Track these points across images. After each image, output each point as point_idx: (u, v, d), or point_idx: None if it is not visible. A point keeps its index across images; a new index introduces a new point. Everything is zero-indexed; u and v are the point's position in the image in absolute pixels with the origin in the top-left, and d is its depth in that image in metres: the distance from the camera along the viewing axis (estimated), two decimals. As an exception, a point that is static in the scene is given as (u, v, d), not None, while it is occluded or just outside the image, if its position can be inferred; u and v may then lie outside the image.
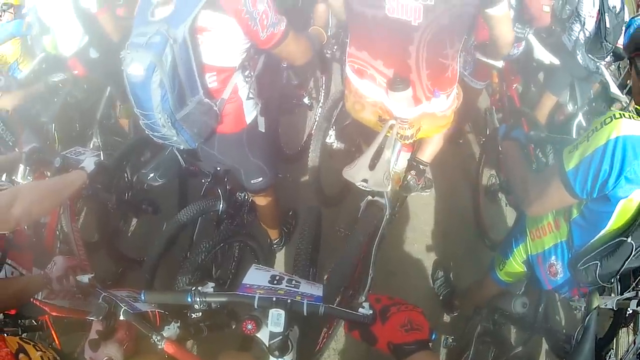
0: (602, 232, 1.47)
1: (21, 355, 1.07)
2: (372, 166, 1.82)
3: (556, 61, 3.03)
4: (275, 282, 1.27)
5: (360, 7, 1.71)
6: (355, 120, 2.16)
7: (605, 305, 1.83)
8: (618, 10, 2.96)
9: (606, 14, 2.93)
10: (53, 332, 1.77)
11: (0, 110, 2.92)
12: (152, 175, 2.03)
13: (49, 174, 2.12)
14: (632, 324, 2.20)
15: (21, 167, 2.03)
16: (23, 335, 1.61)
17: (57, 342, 1.77)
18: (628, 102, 1.30)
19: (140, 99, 1.67)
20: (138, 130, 3.46)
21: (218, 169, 2.34)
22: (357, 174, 1.82)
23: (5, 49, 3.20)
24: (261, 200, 2.45)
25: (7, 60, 3.19)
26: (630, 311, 1.90)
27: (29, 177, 2.04)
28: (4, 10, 3.48)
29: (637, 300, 1.88)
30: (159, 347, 1.31)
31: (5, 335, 1.13)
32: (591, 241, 1.52)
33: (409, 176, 2.35)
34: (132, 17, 3.18)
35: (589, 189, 1.33)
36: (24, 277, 1.78)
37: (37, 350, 1.15)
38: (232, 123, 1.95)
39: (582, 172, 1.32)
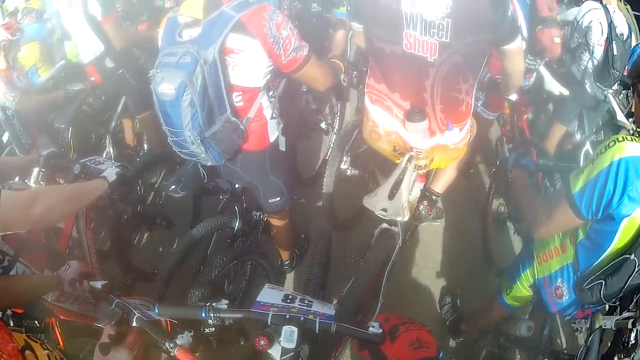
0: (607, 251, 1.52)
1: (27, 352, 1.06)
2: (391, 196, 1.86)
3: (566, 92, 3.05)
4: (288, 300, 1.30)
5: (380, 42, 1.76)
6: (370, 148, 2.19)
7: (605, 325, 1.84)
8: (625, 37, 3.00)
9: (614, 41, 2.96)
10: (58, 335, 1.76)
11: (18, 112, 2.93)
12: (173, 187, 2.07)
13: (62, 181, 2.11)
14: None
15: (35, 170, 2.01)
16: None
17: (61, 345, 1.75)
18: (635, 129, 1.32)
19: (170, 117, 1.71)
20: (152, 144, 3.50)
21: (237, 186, 2.37)
22: (377, 203, 1.86)
23: (23, 52, 3.15)
24: (276, 221, 2.46)
25: (24, 64, 3.16)
26: (633, 341, 1.90)
27: (41, 182, 2.02)
28: (25, 15, 3.52)
29: (634, 320, 1.88)
30: (172, 354, 1.32)
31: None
32: (596, 262, 1.57)
33: (421, 206, 2.38)
34: (136, 29, 3.25)
35: (594, 209, 1.40)
36: (36, 276, 1.76)
37: (44, 349, 1.13)
38: (256, 141, 1.99)
39: (588, 193, 1.39)
